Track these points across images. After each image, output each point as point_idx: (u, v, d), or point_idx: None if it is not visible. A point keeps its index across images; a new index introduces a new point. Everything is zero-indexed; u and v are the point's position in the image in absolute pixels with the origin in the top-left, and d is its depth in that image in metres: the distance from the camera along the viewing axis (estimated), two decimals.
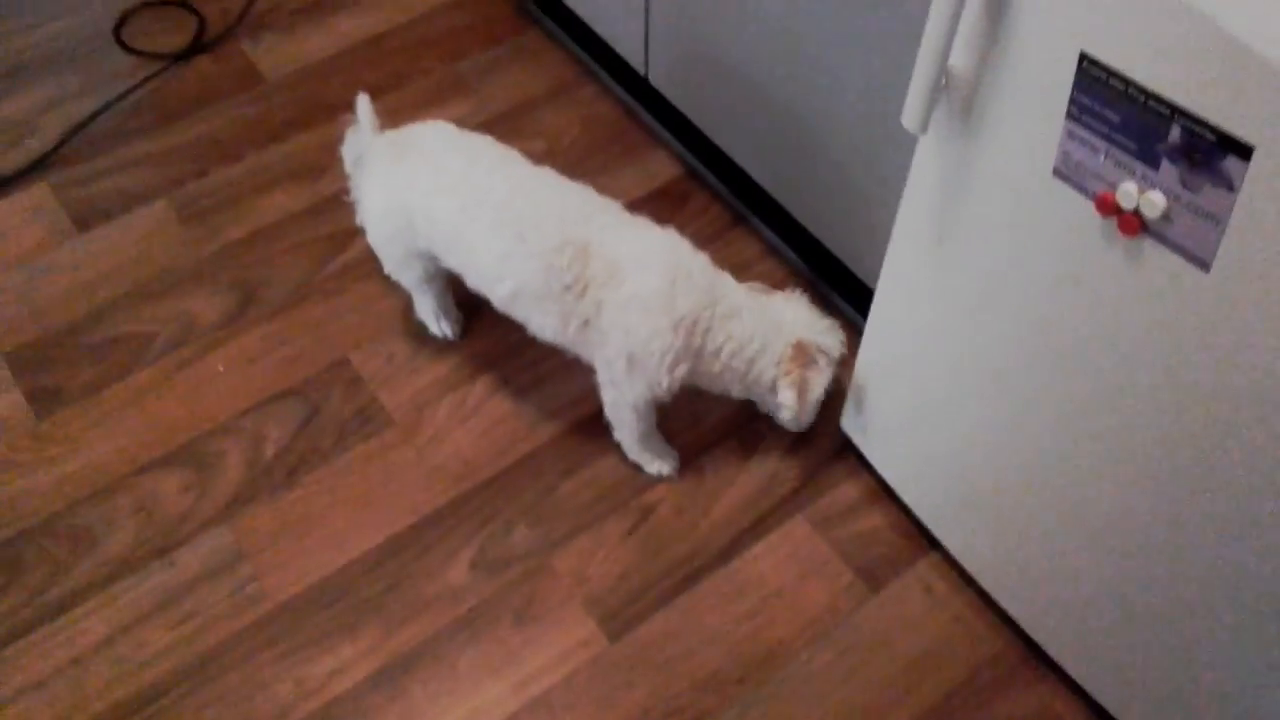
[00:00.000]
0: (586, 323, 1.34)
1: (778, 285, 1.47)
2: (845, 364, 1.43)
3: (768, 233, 1.73)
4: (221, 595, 1.39)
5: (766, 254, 1.72)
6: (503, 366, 1.60)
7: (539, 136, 1.85)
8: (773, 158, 1.60)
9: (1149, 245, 0.92)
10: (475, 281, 1.42)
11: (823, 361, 1.38)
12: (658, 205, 1.76)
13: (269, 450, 1.51)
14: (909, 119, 1.05)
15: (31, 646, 1.34)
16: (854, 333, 1.56)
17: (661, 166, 1.83)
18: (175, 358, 1.60)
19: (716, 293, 1.34)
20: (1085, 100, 0.90)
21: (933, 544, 1.44)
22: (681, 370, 1.35)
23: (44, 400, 1.55)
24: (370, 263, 1.67)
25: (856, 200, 1.46)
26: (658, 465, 1.49)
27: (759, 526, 1.46)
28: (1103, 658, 1.27)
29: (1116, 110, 0.89)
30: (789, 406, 1.38)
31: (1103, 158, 0.91)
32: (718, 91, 1.62)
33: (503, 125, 1.87)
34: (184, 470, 1.49)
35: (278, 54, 1.99)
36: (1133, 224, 0.92)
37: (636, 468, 1.50)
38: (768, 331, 1.36)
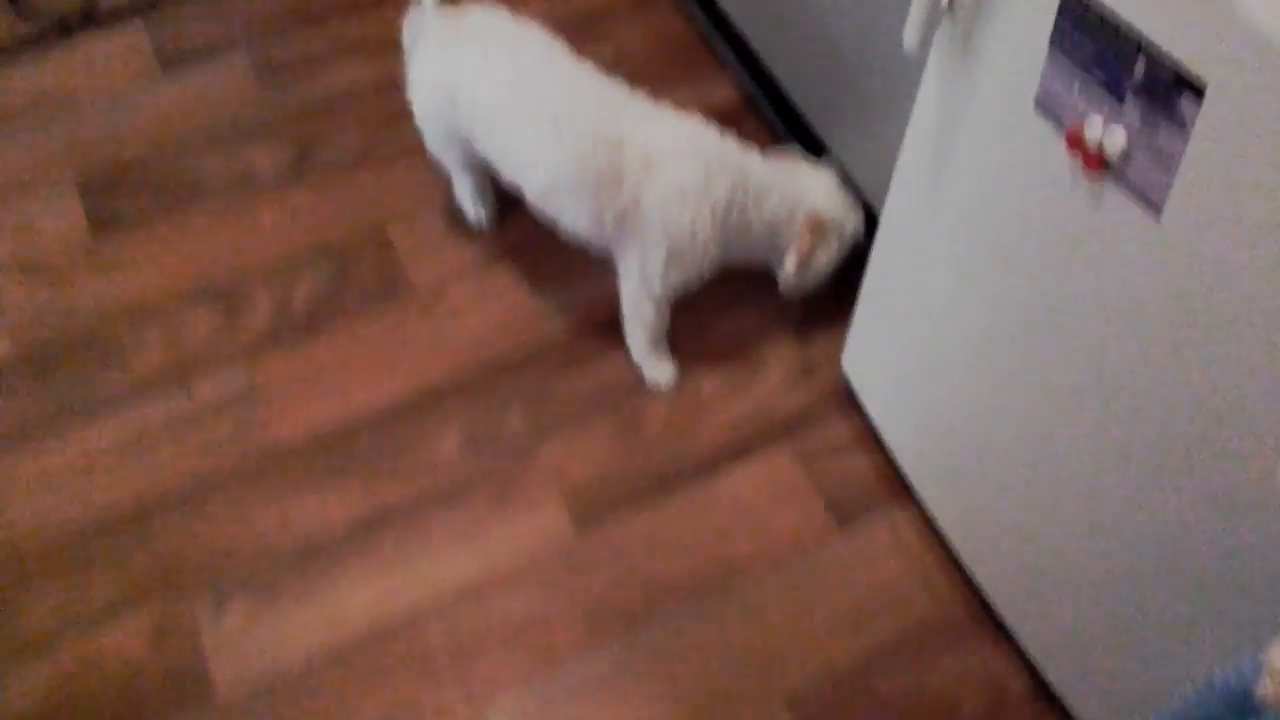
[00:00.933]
0: (623, 215, 1.37)
1: None
2: (859, 280, 1.44)
3: None
4: (227, 427, 1.48)
5: None
6: (529, 259, 1.64)
7: (609, 41, 1.87)
8: (815, 87, 1.59)
9: (1110, 188, 0.92)
10: (510, 172, 1.45)
11: (833, 236, 1.43)
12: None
13: (296, 300, 1.59)
14: (908, 38, 1.05)
15: (48, 444, 1.45)
16: None
17: (720, 89, 1.83)
18: (228, 202, 1.68)
19: (747, 174, 1.38)
20: (1067, 28, 0.90)
21: (910, 495, 1.45)
22: (717, 253, 1.40)
23: (102, 222, 1.65)
24: (422, 144, 1.72)
25: (881, 136, 1.45)
26: (659, 372, 1.52)
27: (742, 448, 1.49)
28: (1056, 633, 1.27)
29: (1092, 40, 0.88)
30: (789, 272, 1.43)
31: (1076, 90, 0.91)
32: (776, 17, 1.61)
33: (576, 27, 1.88)
34: (215, 306, 1.58)
35: None
36: (1096, 161, 0.91)
37: (636, 375, 1.54)
38: (793, 203, 1.41)
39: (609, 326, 1.54)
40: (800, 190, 1.42)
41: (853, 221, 1.45)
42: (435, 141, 1.56)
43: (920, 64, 1.28)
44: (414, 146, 1.73)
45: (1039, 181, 0.99)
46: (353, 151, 1.74)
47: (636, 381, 1.54)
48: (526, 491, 1.45)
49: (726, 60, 1.85)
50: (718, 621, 1.36)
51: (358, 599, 1.36)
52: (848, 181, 1.48)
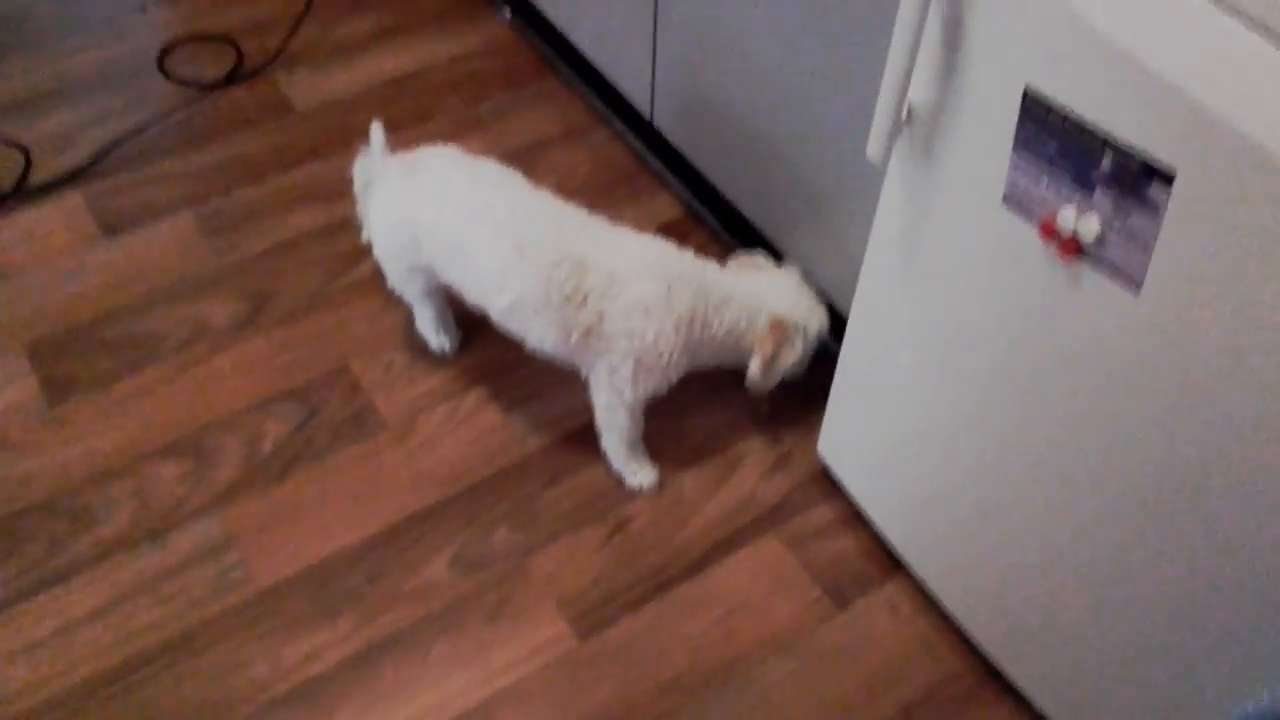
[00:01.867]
0: (589, 331, 1.41)
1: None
2: (824, 372, 1.48)
3: None
4: (208, 577, 1.44)
5: None
6: (496, 381, 1.67)
7: (550, 174, 1.94)
8: (763, 195, 1.68)
9: (1087, 270, 0.98)
10: (475, 295, 1.49)
11: (797, 338, 1.49)
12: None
13: (266, 446, 1.58)
14: (872, 150, 1.12)
15: (25, 612, 1.40)
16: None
17: (664, 207, 1.91)
18: (185, 357, 1.68)
19: (707, 285, 1.43)
20: (1029, 131, 0.97)
21: (901, 567, 1.48)
22: (683, 362, 1.45)
23: (58, 389, 1.63)
24: (377, 279, 1.75)
25: (839, 236, 1.53)
26: (640, 477, 1.54)
27: (732, 542, 1.50)
28: (1061, 684, 1.29)
29: (1056, 140, 0.96)
30: (753, 376, 1.48)
31: (1045, 185, 0.98)
32: (714, 133, 1.71)
33: (516, 163, 1.90)
34: (183, 460, 1.56)
35: (309, 87, 2.10)
36: (1071, 247, 0.98)
37: (618, 481, 1.55)
38: (754, 310, 1.47)
39: (584, 437, 1.56)
40: (760, 296, 1.48)
41: (816, 320, 1.51)
42: (397, 277, 1.59)
43: (873, 165, 1.38)
44: (368, 284, 1.77)
45: (1013, 268, 1.06)
46: (307, 295, 1.76)
47: (618, 488, 1.55)
48: (522, 605, 1.43)
49: (665, 178, 1.94)
50: (727, 713, 1.35)
51: None
52: (809, 279, 1.55)
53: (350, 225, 1.85)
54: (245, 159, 1.97)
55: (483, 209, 1.44)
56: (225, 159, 1.97)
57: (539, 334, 1.45)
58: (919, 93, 1.09)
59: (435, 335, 1.68)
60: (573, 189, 1.92)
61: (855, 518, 1.53)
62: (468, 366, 1.68)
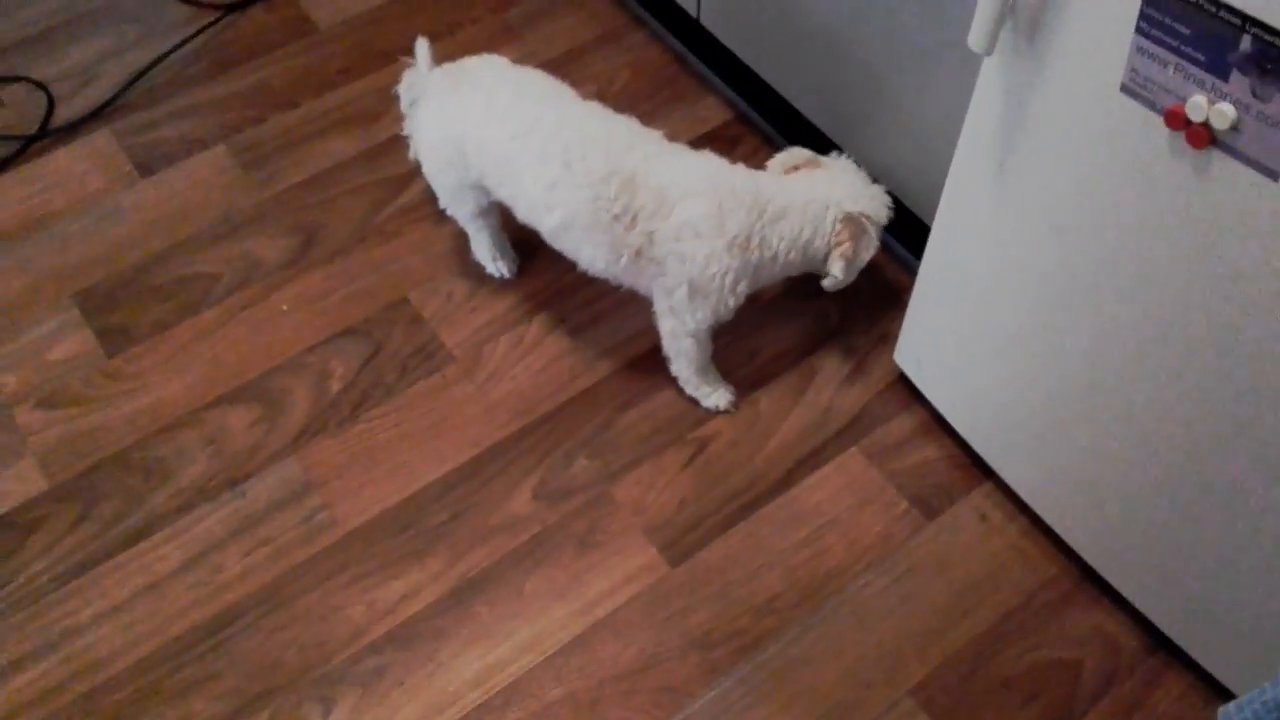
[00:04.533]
0: (639, 253, 1.37)
1: None
2: (899, 293, 1.45)
3: None
4: (292, 523, 1.43)
5: None
6: (559, 305, 1.63)
7: (589, 82, 1.87)
8: (825, 92, 1.61)
9: (1217, 157, 0.94)
10: (525, 213, 1.44)
11: (870, 228, 1.43)
12: (708, 147, 1.77)
13: (334, 386, 1.55)
14: (976, 40, 1.06)
15: (108, 573, 1.39)
16: (906, 272, 1.58)
17: (711, 111, 1.84)
18: (240, 298, 1.64)
19: (762, 200, 1.37)
20: (1154, 14, 0.91)
21: (987, 473, 1.47)
22: (743, 287, 1.39)
23: (114, 339, 1.59)
24: (427, 205, 1.70)
25: (913, 134, 1.47)
26: (714, 398, 1.52)
27: (814, 458, 1.49)
28: (1157, 580, 1.29)
29: (1186, 23, 0.90)
30: (837, 279, 1.43)
31: (1172, 71, 0.93)
32: (769, 28, 1.63)
33: (553, 71, 1.87)
34: (251, 405, 1.53)
35: (330, 3, 2.01)
36: (1202, 136, 0.93)
37: (693, 402, 1.53)
38: (816, 214, 1.40)
39: (654, 359, 1.53)
40: (820, 196, 1.41)
41: (881, 205, 1.45)
42: (447, 195, 1.54)
43: (965, 55, 1.31)
44: (418, 210, 1.72)
45: (1131, 160, 1.01)
46: (356, 226, 1.71)
47: (694, 409, 1.53)
48: (610, 534, 1.43)
49: (709, 81, 1.87)
50: (828, 630, 1.35)
51: (465, 671, 1.32)
52: (861, 165, 1.49)
53: (392, 149, 1.79)
54: (274, 84, 1.90)
55: (530, 121, 1.38)
56: (253, 85, 1.90)
57: (589, 255, 1.41)
58: None
59: (492, 260, 1.64)
60: (613, 96, 1.86)
61: (937, 426, 1.51)
62: (529, 292, 1.65)
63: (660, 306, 1.44)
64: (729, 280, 1.37)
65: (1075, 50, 1.02)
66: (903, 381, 1.54)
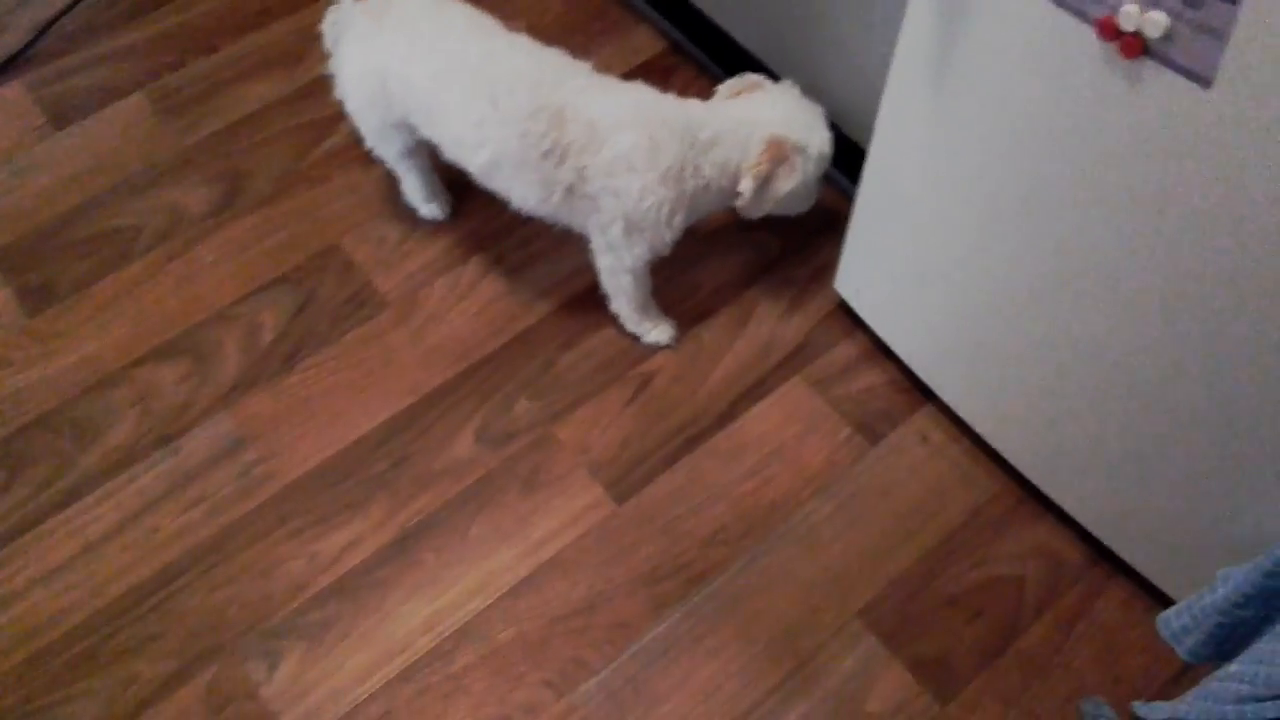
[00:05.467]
0: (571, 190, 1.34)
1: None
2: (837, 221, 1.43)
3: None
4: (228, 478, 1.40)
5: None
6: (494, 246, 1.60)
7: (519, 15, 1.82)
8: (757, 19, 1.58)
9: (1150, 67, 0.92)
10: (452, 152, 1.41)
11: (797, 158, 1.37)
12: (643, 80, 1.74)
13: (265, 337, 1.52)
14: None
15: (42, 537, 1.36)
16: (845, 198, 1.56)
17: (645, 41, 1.80)
18: (164, 250, 1.59)
19: (693, 128, 1.33)
20: None
21: (929, 396, 1.46)
22: (679, 219, 1.36)
23: (34, 297, 1.54)
24: (355, 148, 1.66)
25: (845, 55, 1.45)
26: (655, 334, 1.50)
27: (757, 389, 1.48)
28: (1098, 494, 1.30)
29: None
30: (744, 197, 1.37)
31: None
32: None
33: (481, 3, 1.83)
34: (181, 360, 1.50)
35: None
36: (1134, 45, 0.92)
37: (634, 339, 1.51)
38: (746, 136, 1.36)
39: (594, 297, 1.51)
40: (753, 120, 1.38)
41: (817, 138, 1.41)
42: (373, 135, 1.50)
43: None
44: (345, 153, 1.68)
45: (1063, 71, 0.99)
46: (283, 171, 1.67)
47: (635, 346, 1.51)
48: (554, 474, 1.41)
49: (641, 10, 1.83)
50: (775, 558, 1.35)
51: (413, 618, 1.31)
52: (810, 95, 1.45)
53: (316, 91, 1.74)
54: (192, 26, 1.83)
55: (455, 57, 1.34)
56: (170, 28, 1.83)
57: (520, 194, 1.38)
58: None
59: (424, 202, 1.60)
60: (544, 29, 1.81)
61: (879, 352, 1.50)
62: (463, 233, 1.61)
63: (597, 243, 1.42)
64: (665, 213, 1.34)
65: None
66: (843, 309, 1.53)
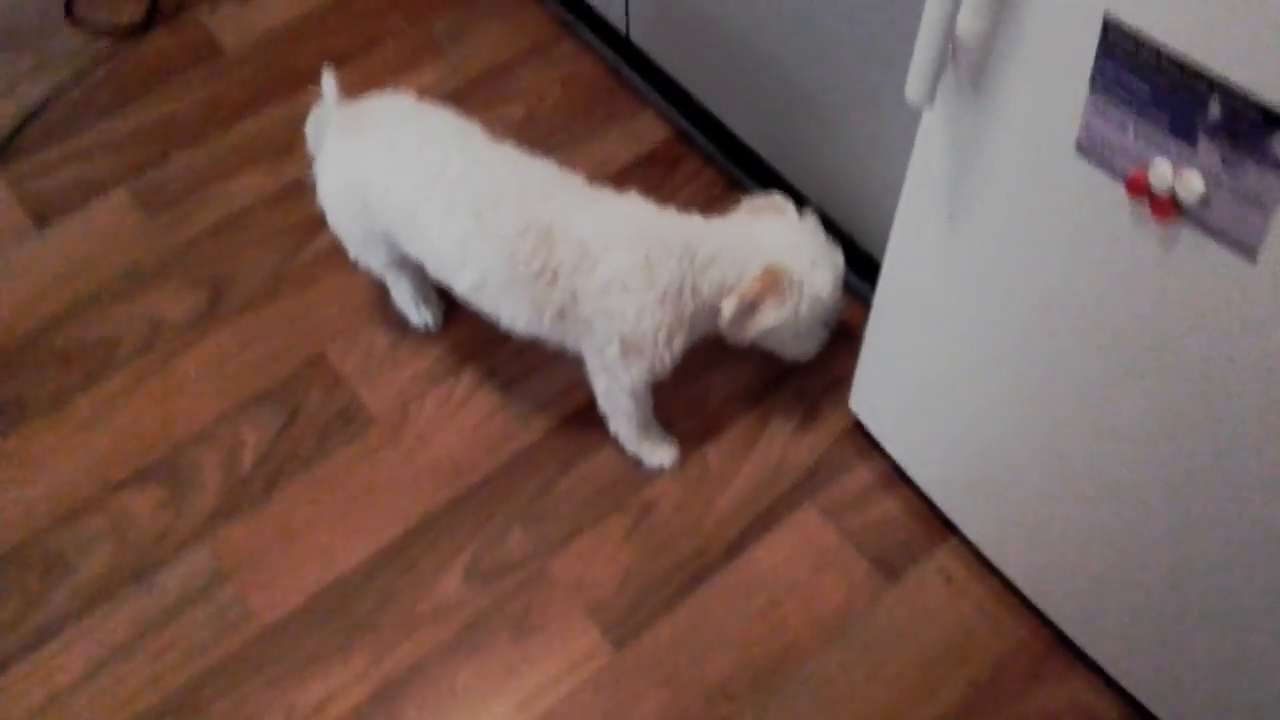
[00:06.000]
0: (562, 312, 1.25)
1: None
2: (851, 329, 1.34)
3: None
4: (204, 619, 1.32)
5: None
6: (488, 356, 1.51)
7: (517, 100, 1.73)
8: (764, 120, 1.49)
9: (1186, 232, 0.82)
10: (436, 270, 1.32)
11: (792, 291, 1.26)
12: (647, 171, 1.65)
13: (247, 459, 1.43)
14: (913, 91, 0.94)
15: (5, 687, 1.28)
16: (862, 305, 1.46)
17: (649, 129, 1.71)
18: (144, 363, 1.51)
19: (692, 246, 1.24)
20: (1111, 71, 0.80)
21: (951, 529, 1.36)
22: (679, 341, 1.27)
23: (6, 416, 1.47)
24: (343, 252, 1.57)
25: (856, 165, 1.36)
26: (658, 456, 1.41)
27: (767, 518, 1.38)
28: (1135, 647, 1.20)
29: (1147, 82, 0.78)
30: (725, 314, 1.26)
31: (1132, 133, 0.81)
32: (702, 48, 1.51)
33: (479, 89, 1.75)
34: (159, 485, 1.42)
35: (238, 23, 1.87)
36: (1166, 208, 0.82)
37: (636, 461, 1.42)
38: (745, 260, 1.26)
39: (592, 414, 1.42)
40: (756, 243, 1.27)
41: (821, 276, 1.28)
42: (356, 247, 1.42)
43: (879, 81, 1.19)
44: (333, 255, 1.59)
45: (1088, 224, 0.90)
46: (268, 275, 1.59)
47: (636, 468, 1.42)
48: (549, 616, 1.32)
49: (647, 96, 1.73)
50: (788, 712, 1.25)
51: None
52: (827, 225, 1.35)
53: (305, 187, 1.65)
54: (178, 117, 1.76)
55: (436, 169, 1.26)
56: (156, 119, 1.76)
57: (509, 315, 1.29)
58: (966, 20, 0.90)
59: (415, 310, 1.51)
60: (544, 115, 1.72)
61: (896, 477, 1.40)
62: (455, 341, 1.53)
63: (592, 364, 1.33)
64: (663, 335, 1.25)
65: (1025, 104, 0.91)
66: (859, 428, 1.43)
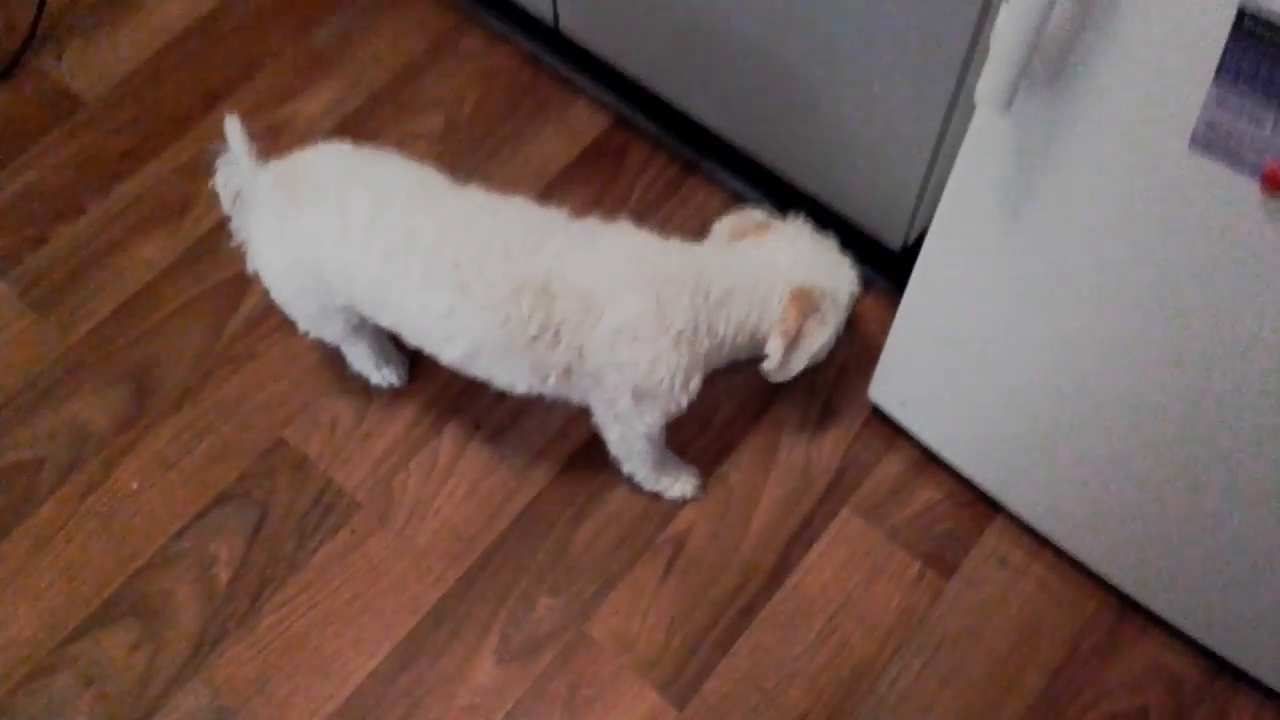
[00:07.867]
0: (568, 370, 1.12)
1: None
2: (865, 323, 1.24)
3: (731, 180, 1.49)
4: None
5: (733, 203, 1.48)
6: (468, 408, 1.37)
7: (433, 109, 1.56)
8: (722, 95, 1.36)
9: None
10: (416, 341, 1.18)
11: (827, 308, 1.18)
12: (595, 166, 1.51)
13: (222, 574, 1.27)
14: (990, 95, 0.83)
15: None
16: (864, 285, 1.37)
17: (585, 119, 1.56)
18: (76, 483, 1.33)
19: (704, 282, 1.12)
20: (1244, 63, 0.71)
21: (994, 508, 1.30)
22: (696, 382, 1.16)
23: None
24: (278, 313, 1.40)
25: (825, 131, 1.25)
26: (679, 488, 1.30)
27: (806, 532, 1.29)
28: (1208, 599, 1.16)
29: None
30: (774, 358, 1.17)
31: (1271, 125, 0.72)
32: (646, 29, 1.36)
33: (386, 103, 1.57)
34: (126, 624, 1.25)
35: (90, 67, 1.63)
36: None
37: (653, 496, 1.31)
38: (766, 292, 1.16)
39: (596, 451, 1.30)
40: (770, 269, 1.17)
41: (845, 281, 1.20)
42: (309, 321, 1.26)
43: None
44: (268, 319, 1.42)
45: (1210, 221, 0.81)
46: (195, 356, 1.40)
47: (657, 504, 1.31)
48: (598, 686, 1.21)
49: (576, 82, 1.58)
50: None
51: None
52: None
53: (213, 245, 1.48)
54: (45, 188, 1.53)
55: (403, 237, 1.10)
56: (20, 194, 1.53)
57: (507, 380, 1.16)
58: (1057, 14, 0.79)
59: (375, 370, 1.36)
60: (466, 120, 1.56)
61: (927, 462, 1.33)
62: (428, 398, 1.38)
63: (602, 416, 1.21)
64: (679, 380, 1.13)
65: (1118, 99, 0.82)
66: (878, 417, 1.35)
